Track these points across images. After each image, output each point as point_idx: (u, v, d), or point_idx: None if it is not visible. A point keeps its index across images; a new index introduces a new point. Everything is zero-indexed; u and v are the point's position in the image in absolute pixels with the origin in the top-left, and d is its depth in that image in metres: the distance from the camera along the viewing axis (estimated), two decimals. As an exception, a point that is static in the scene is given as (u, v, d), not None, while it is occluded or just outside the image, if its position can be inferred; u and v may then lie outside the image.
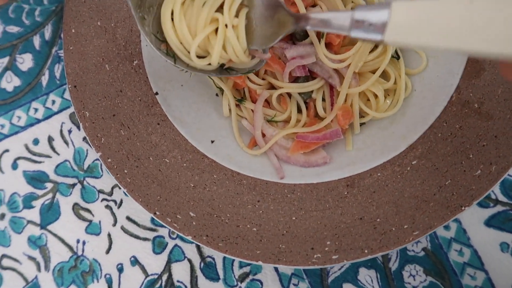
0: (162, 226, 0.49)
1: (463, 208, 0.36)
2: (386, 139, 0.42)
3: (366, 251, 0.37)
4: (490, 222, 0.44)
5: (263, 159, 0.45)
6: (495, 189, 0.44)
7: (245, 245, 0.39)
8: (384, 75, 0.44)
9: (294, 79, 0.44)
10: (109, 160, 0.43)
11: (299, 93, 0.44)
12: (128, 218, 0.50)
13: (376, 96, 0.44)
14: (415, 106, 0.43)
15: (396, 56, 0.44)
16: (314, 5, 0.44)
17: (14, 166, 0.53)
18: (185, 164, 0.43)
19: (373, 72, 0.43)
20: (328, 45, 0.43)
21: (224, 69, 0.39)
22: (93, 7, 0.46)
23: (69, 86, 0.45)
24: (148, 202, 0.41)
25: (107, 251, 0.50)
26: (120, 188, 0.50)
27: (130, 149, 0.43)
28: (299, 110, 0.45)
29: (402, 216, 0.38)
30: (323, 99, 0.45)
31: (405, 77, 0.44)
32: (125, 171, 0.42)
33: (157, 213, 0.41)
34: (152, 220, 0.49)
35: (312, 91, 0.44)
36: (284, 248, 0.39)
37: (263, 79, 0.45)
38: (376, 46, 0.44)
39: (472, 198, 0.36)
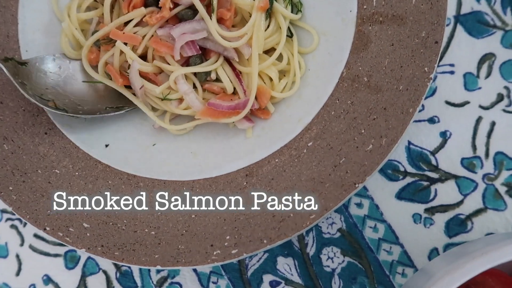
0: (72, 239, 0.46)
1: (356, 185, 0.35)
2: (284, 123, 0.41)
3: (265, 241, 0.36)
4: (401, 195, 0.43)
5: (161, 156, 0.43)
6: (403, 161, 0.44)
7: (143, 251, 0.37)
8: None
9: (186, 61, 0.42)
10: (-8, 178, 0.40)
11: (194, 74, 0.42)
12: (36, 236, 0.47)
13: (270, 79, 0.42)
14: (310, 86, 0.41)
15: (289, 34, 0.43)
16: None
17: None
18: (77, 173, 0.41)
19: (266, 52, 0.42)
20: (220, 21, 0.40)
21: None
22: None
23: None
24: (36, 218, 0.38)
25: (17, 273, 0.47)
26: (23, 205, 0.47)
27: (16, 164, 0.40)
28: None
29: (299, 201, 0.37)
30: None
31: (298, 56, 0.42)
32: (10, 188, 0.39)
33: (47, 228, 0.38)
34: (61, 234, 0.47)
35: (209, 72, 0.42)
36: (183, 249, 0.37)
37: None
38: (269, 25, 0.42)
39: (365, 174, 0.35)
